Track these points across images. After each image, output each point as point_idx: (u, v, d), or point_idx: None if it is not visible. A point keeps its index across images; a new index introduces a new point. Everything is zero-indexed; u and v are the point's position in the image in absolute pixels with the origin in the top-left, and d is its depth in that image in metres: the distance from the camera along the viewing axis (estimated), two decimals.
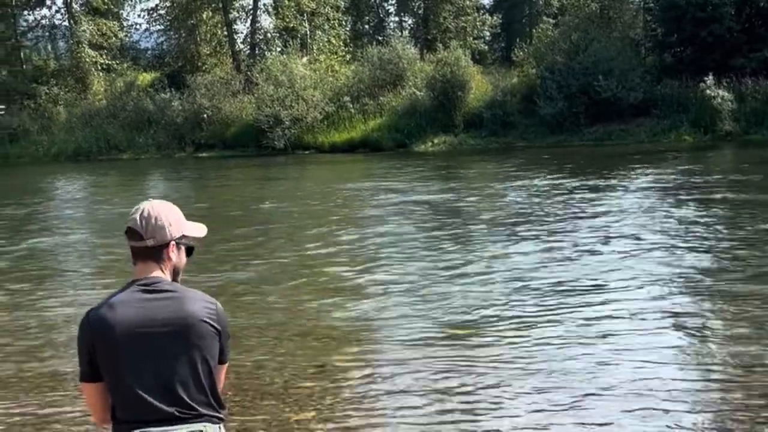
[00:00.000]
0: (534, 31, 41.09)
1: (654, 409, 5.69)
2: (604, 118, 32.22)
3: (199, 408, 2.76)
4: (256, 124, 35.87)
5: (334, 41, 44.33)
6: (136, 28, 50.38)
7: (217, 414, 2.83)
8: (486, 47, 49.68)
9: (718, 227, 12.64)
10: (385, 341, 7.67)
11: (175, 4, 45.01)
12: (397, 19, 53.34)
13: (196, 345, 2.77)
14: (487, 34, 49.58)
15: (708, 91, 30.07)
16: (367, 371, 6.81)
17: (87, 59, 43.13)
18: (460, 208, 16.45)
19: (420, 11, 50.00)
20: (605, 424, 5.51)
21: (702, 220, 13.25)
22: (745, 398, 5.85)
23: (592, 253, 11.10)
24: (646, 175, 19.90)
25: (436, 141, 33.76)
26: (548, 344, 7.20)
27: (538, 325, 7.80)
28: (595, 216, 14.23)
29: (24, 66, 44.52)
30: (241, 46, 45.59)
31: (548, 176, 20.77)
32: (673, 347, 7.05)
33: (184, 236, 2.90)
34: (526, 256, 11.17)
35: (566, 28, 36.53)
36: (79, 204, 21.54)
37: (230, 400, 6.00)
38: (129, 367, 2.72)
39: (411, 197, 18.20)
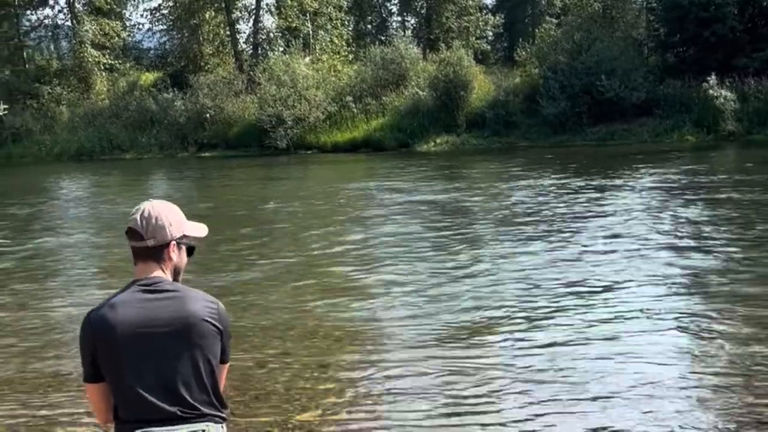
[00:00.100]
0: (537, 30, 41.17)
1: (662, 411, 5.66)
2: (606, 118, 32.20)
3: (201, 408, 2.76)
4: (259, 124, 35.89)
5: (336, 41, 44.34)
6: (138, 28, 50.56)
7: (219, 414, 2.83)
8: (489, 47, 49.69)
9: (725, 227, 12.59)
10: (390, 341, 7.63)
11: (177, 4, 45.06)
12: (399, 18, 53.42)
13: (198, 344, 2.76)
14: (490, 33, 49.57)
15: (711, 91, 30.03)
16: (371, 372, 6.78)
17: (90, 59, 43.20)
18: (465, 207, 16.43)
19: (423, 11, 50.01)
20: (613, 427, 5.49)
21: (708, 220, 13.21)
22: (752, 399, 5.83)
23: (599, 253, 11.06)
24: (651, 175, 19.86)
25: (438, 141, 33.75)
26: (555, 345, 7.17)
27: (545, 327, 7.77)
28: (601, 216, 14.20)
29: (27, 66, 44.56)
30: (244, 46, 45.63)
31: (553, 176, 20.75)
32: (680, 348, 7.01)
33: (184, 236, 2.89)
34: (533, 255, 11.12)
35: (569, 27, 36.54)
36: (82, 204, 21.54)
37: (233, 400, 5.99)
38: (130, 367, 2.72)
39: (415, 197, 18.19)
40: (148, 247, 2.81)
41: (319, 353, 7.34)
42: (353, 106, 36.31)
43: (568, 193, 17.30)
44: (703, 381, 6.25)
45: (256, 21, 44.29)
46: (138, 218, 2.82)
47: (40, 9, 46.83)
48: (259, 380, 6.66)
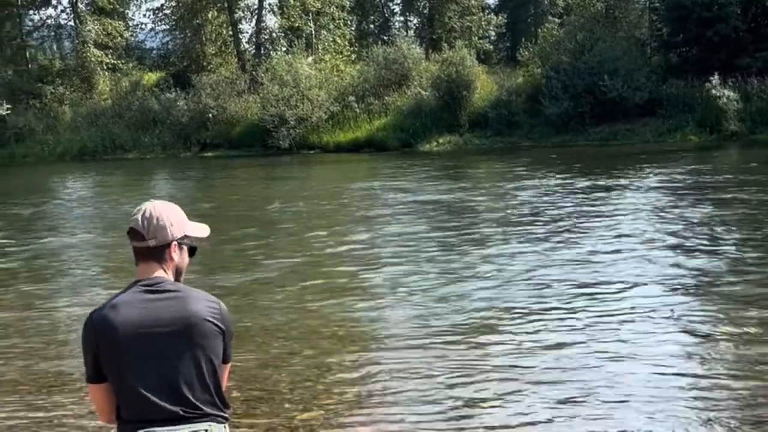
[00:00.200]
0: (539, 30, 41.16)
1: (669, 412, 5.65)
2: (609, 118, 32.18)
3: (203, 407, 2.76)
4: (261, 124, 35.90)
5: (339, 41, 44.33)
6: (141, 28, 50.58)
7: (222, 413, 2.83)
8: (491, 47, 49.62)
9: (732, 228, 12.56)
10: (395, 342, 7.60)
11: (180, 4, 45.07)
12: (402, 18, 53.34)
13: (200, 344, 2.77)
14: (493, 33, 49.49)
15: (714, 91, 30.00)
16: (375, 372, 6.77)
17: (92, 59, 43.22)
18: (471, 207, 16.40)
19: (425, 11, 49.99)
20: (619, 429, 5.48)
21: (715, 221, 13.18)
22: (760, 401, 5.82)
23: (607, 253, 11.03)
24: (655, 174, 19.84)
25: (441, 141, 33.75)
26: (561, 346, 7.15)
27: (551, 328, 7.74)
28: (607, 216, 14.17)
29: (29, 65, 44.58)
30: (247, 46, 45.64)
31: (558, 176, 20.73)
32: (687, 349, 6.99)
33: (186, 236, 2.90)
34: (539, 255, 11.10)
35: (571, 27, 36.54)
36: (85, 204, 21.55)
37: (235, 400, 5.99)
38: (132, 367, 2.72)
39: (420, 197, 18.18)
40: (150, 247, 2.82)
41: (323, 353, 7.33)
42: (356, 106, 36.32)
43: (573, 193, 17.29)
44: (710, 383, 6.23)
45: (259, 21, 44.32)
46: (139, 218, 2.82)
47: (43, 9, 46.95)
48: (262, 380, 6.65)
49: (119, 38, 45.46)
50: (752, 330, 7.36)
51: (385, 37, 46.42)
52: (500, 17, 48.06)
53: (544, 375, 6.48)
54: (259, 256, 12.19)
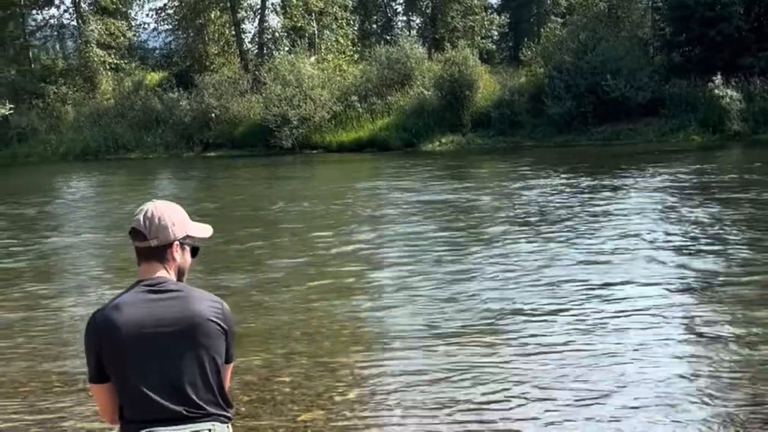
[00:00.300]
0: (542, 30, 41.10)
1: (671, 413, 5.64)
2: (612, 118, 32.17)
3: (207, 407, 2.76)
4: (264, 124, 35.92)
5: (342, 41, 44.34)
6: (144, 28, 50.67)
7: (224, 413, 2.82)
8: (494, 47, 49.63)
9: (737, 228, 12.52)
10: (399, 342, 7.57)
11: (183, 4, 45.10)
12: (405, 18, 53.35)
13: (203, 344, 2.76)
14: (495, 33, 49.48)
15: (716, 91, 29.98)
16: (377, 371, 6.75)
17: (95, 59, 43.26)
18: (476, 207, 16.37)
19: (428, 11, 49.99)
20: (623, 430, 5.47)
21: (720, 221, 13.13)
22: (764, 400, 5.81)
23: (612, 253, 11.00)
24: (659, 174, 19.81)
25: (443, 140, 33.75)
26: (566, 346, 7.13)
27: (557, 328, 7.71)
28: (611, 215, 14.14)
29: (32, 65, 44.61)
30: (249, 46, 45.68)
31: (562, 175, 20.72)
32: (691, 351, 6.96)
33: (188, 236, 2.89)
34: (545, 255, 11.06)
35: (574, 27, 36.50)
36: (88, 203, 21.56)
37: (238, 400, 5.97)
38: (135, 367, 2.72)
39: (425, 196, 18.17)
40: (151, 247, 2.81)
41: (327, 353, 7.32)
42: (358, 105, 36.33)
43: (578, 193, 17.27)
44: (718, 384, 6.19)
45: (262, 21, 44.36)
46: (141, 218, 2.82)
47: (46, 9, 47.02)
48: (265, 380, 6.64)
49: (122, 38, 45.52)
50: (760, 331, 7.33)
51: (388, 37, 46.48)
52: (503, 17, 48.03)
53: (552, 376, 6.45)
54: (263, 256, 12.18)
